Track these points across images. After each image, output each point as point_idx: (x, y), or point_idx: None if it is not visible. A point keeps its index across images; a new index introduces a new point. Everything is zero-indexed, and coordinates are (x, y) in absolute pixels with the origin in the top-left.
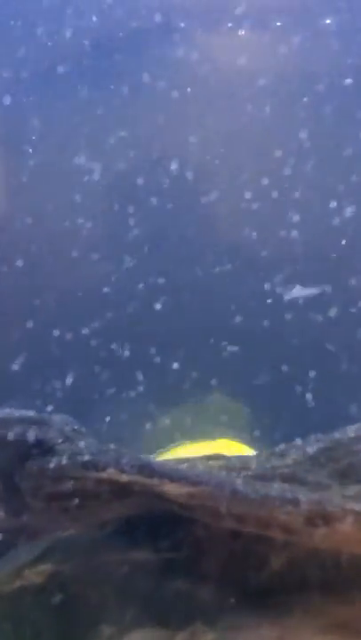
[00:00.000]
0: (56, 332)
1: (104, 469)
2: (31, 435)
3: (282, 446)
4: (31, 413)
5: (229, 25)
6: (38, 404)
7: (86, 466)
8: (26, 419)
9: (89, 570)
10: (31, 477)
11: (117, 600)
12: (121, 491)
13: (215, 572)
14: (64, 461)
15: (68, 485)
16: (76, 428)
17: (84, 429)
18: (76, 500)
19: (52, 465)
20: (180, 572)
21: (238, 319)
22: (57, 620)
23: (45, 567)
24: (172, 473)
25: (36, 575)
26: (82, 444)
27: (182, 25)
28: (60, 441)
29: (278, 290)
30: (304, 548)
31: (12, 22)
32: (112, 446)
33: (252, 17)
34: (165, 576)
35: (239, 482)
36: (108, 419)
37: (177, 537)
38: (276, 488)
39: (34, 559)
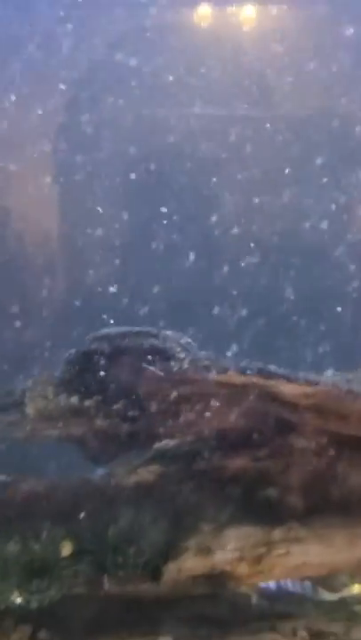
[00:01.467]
0: None
1: (225, 372)
2: (151, 343)
3: None
4: (148, 328)
5: None
6: None
7: (208, 368)
8: (143, 332)
9: (191, 474)
10: (152, 382)
11: (215, 502)
12: (237, 394)
13: (303, 483)
14: (185, 365)
15: (187, 389)
16: (189, 341)
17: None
18: (192, 405)
19: (175, 369)
20: (273, 480)
21: None
22: (167, 512)
23: (155, 468)
24: (289, 374)
25: (148, 473)
26: (201, 353)
27: None
28: (178, 349)
29: None
30: None
31: None
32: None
33: None
34: (259, 483)
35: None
36: None
37: (274, 446)
38: None
39: (146, 460)
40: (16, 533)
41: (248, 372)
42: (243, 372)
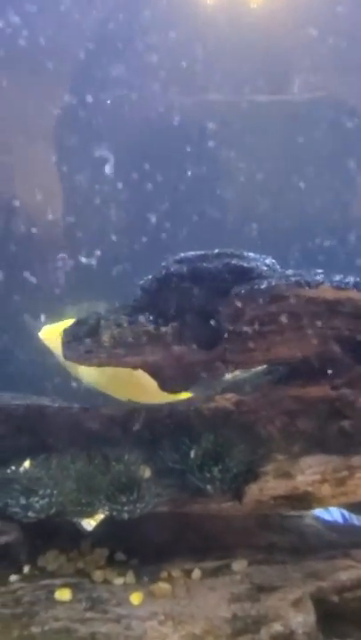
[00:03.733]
0: None
1: (317, 286)
2: (235, 263)
3: None
4: (229, 249)
5: None
6: None
7: (300, 283)
8: (223, 253)
9: (266, 404)
10: (237, 301)
11: (287, 434)
12: (327, 311)
13: None
14: (275, 282)
15: (275, 307)
16: (273, 261)
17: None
18: (277, 326)
19: (263, 286)
20: (348, 410)
21: None
22: (243, 438)
23: (232, 396)
24: None
25: (225, 401)
26: (288, 270)
27: None
28: (264, 268)
29: None
30: None
31: None
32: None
33: None
34: (334, 414)
35: None
36: None
37: (355, 375)
38: None
39: (223, 389)
40: (98, 455)
41: (343, 285)
42: (338, 286)
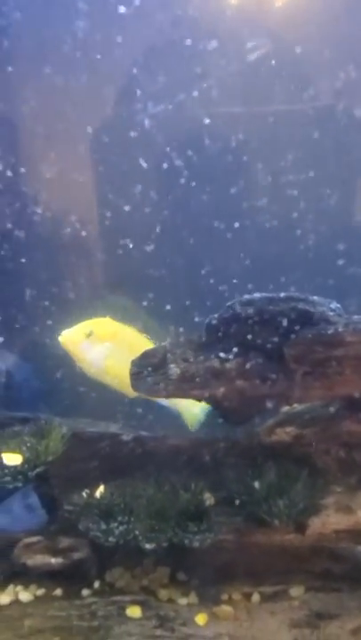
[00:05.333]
0: None
1: None
2: (301, 307)
3: None
4: (295, 293)
5: None
6: None
7: None
8: (290, 297)
9: (325, 437)
10: (302, 344)
11: (344, 466)
12: None
13: None
14: (341, 328)
15: (341, 351)
16: (338, 305)
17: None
18: (341, 366)
19: (330, 331)
20: None
21: None
22: (303, 471)
23: (291, 429)
24: None
25: (285, 434)
26: (354, 317)
27: None
28: (331, 313)
29: None
30: None
31: None
32: None
33: None
34: None
35: None
36: None
37: None
38: None
39: (281, 421)
40: (166, 483)
41: None
42: None
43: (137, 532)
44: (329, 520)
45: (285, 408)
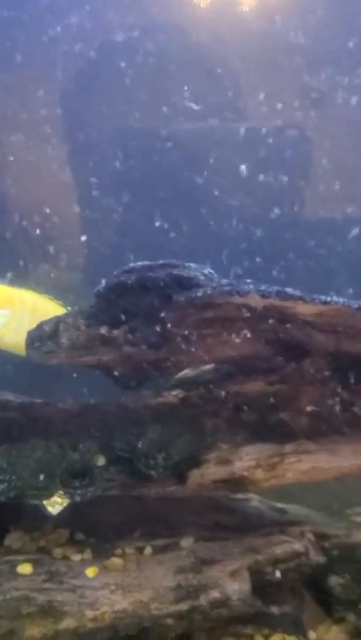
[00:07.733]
0: None
1: (246, 295)
2: (176, 273)
3: None
4: (171, 260)
5: None
6: None
7: (231, 292)
8: (167, 264)
9: (209, 399)
10: (178, 307)
11: (230, 425)
12: (256, 318)
13: (310, 406)
14: (209, 291)
15: (210, 313)
16: (211, 271)
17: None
18: (214, 330)
19: (199, 294)
20: (284, 404)
21: None
22: (189, 431)
23: (178, 392)
24: (304, 295)
25: (172, 396)
26: (223, 280)
27: None
28: (202, 278)
29: None
30: None
31: None
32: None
33: None
34: (272, 407)
35: None
36: None
37: (286, 372)
38: None
39: (172, 386)
40: (55, 446)
41: (267, 294)
42: (263, 294)
43: (20, 490)
44: (208, 471)
45: (180, 374)
